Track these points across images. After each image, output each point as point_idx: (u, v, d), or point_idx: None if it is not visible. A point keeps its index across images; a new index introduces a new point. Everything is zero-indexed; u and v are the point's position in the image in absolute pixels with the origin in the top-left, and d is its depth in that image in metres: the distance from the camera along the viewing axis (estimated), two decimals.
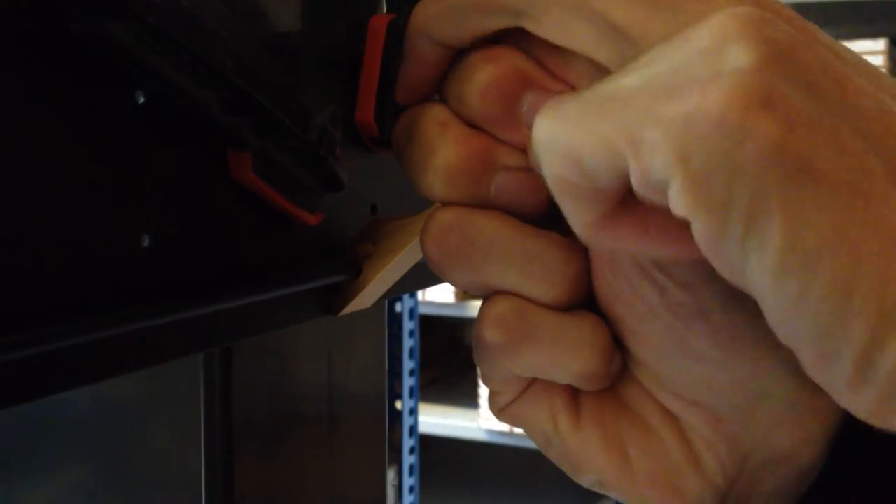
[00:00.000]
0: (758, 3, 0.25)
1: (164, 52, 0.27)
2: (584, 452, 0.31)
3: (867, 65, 0.26)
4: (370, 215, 0.41)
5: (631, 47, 0.26)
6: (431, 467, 3.20)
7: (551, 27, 0.28)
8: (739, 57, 0.23)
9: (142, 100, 0.29)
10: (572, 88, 0.29)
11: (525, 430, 0.32)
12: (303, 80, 0.36)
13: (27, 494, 0.47)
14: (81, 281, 0.28)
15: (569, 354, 0.30)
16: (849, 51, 0.26)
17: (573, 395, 0.31)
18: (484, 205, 0.30)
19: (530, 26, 0.28)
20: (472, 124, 0.30)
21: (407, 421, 2.62)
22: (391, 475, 2.59)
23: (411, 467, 2.64)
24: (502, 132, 0.30)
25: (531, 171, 0.29)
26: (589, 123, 0.24)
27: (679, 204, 0.23)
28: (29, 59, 0.26)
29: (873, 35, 2.97)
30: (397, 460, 2.61)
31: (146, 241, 0.30)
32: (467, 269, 0.30)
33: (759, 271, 0.22)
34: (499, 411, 0.32)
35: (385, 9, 0.40)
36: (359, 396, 0.50)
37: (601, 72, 0.28)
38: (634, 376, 0.31)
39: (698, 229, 0.23)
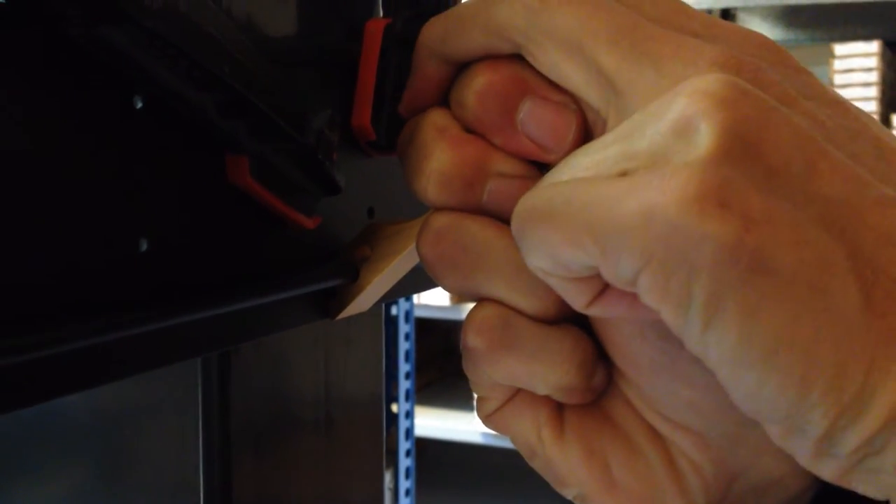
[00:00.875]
0: (739, 64, 0.25)
1: (161, 57, 0.27)
2: (566, 466, 0.31)
3: (855, 118, 0.26)
4: (367, 219, 0.41)
5: (616, 97, 0.27)
6: (427, 470, 3.19)
7: (546, 64, 0.28)
8: (701, 144, 0.23)
9: (140, 104, 0.29)
10: (572, 99, 0.29)
11: (511, 439, 0.32)
12: (300, 84, 0.36)
13: (24, 499, 0.47)
14: (79, 285, 0.28)
15: (547, 366, 0.30)
16: (837, 103, 0.26)
17: (558, 407, 0.31)
18: (477, 211, 0.30)
19: (528, 58, 0.29)
20: (470, 130, 0.30)
21: (403, 424, 2.62)
22: (387, 478, 2.58)
23: (407, 470, 2.64)
24: (498, 138, 0.30)
25: (525, 179, 0.29)
26: (557, 221, 0.25)
27: (645, 298, 0.24)
28: (28, 65, 0.26)
29: (867, 37, 2.97)
30: (393, 463, 2.60)
31: (144, 246, 0.30)
32: (458, 275, 0.30)
33: (719, 362, 0.23)
34: (485, 417, 0.32)
35: (381, 13, 0.41)
36: (355, 399, 0.50)
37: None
38: (623, 393, 0.31)
39: (665, 319, 0.24)
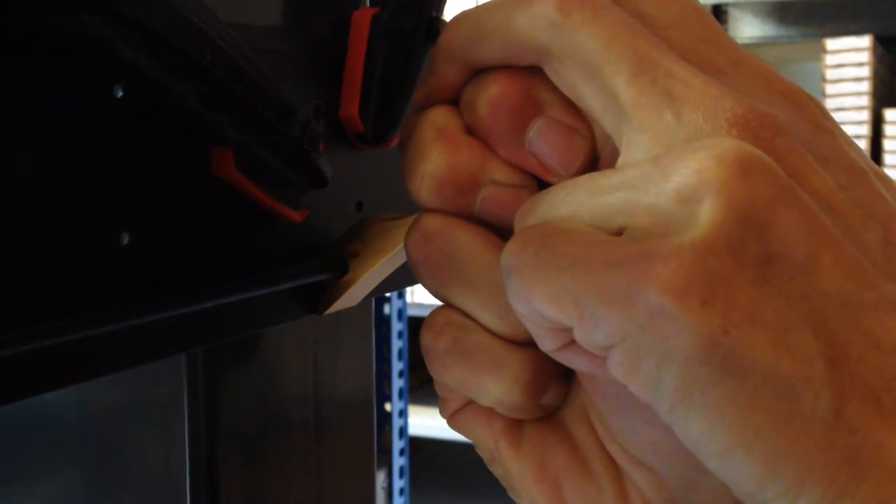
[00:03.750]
0: (760, 124, 0.25)
1: (140, 45, 0.26)
2: (519, 477, 0.31)
3: (870, 190, 0.25)
4: (356, 213, 0.41)
5: (632, 131, 0.26)
6: (422, 469, 3.19)
7: (564, 82, 0.28)
8: (701, 221, 0.23)
9: (120, 94, 0.29)
10: (586, 125, 0.28)
11: (474, 444, 0.32)
12: (285, 74, 0.35)
13: (8, 500, 0.47)
14: (59, 279, 0.27)
15: (491, 380, 0.29)
16: (856, 170, 0.26)
17: (516, 419, 0.31)
18: (469, 217, 0.29)
19: (547, 71, 0.28)
20: (476, 132, 0.30)
21: (396, 423, 2.62)
22: (381, 477, 2.58)
23: (401, 469, 2.63)
24: (502, 149, 0.29)
25: (520, 189, 0.29)
26: (543, 275, 0.25)
27: (614, 371, 0.24)
28: (3, 55, 0.25)
29: (858, 32, 2.98)
30: (387, 462, 2.60)
31: (126, 239, 0.29)
32: (437, 281, 0.30)
33: (683, 439, 0.23)
34: (448, 417, 0.32)
35: (368, 3, 0.40)
36: (346, 398, 0.49)
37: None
38: (587, 416, 0.31)
39: (632, 390, 0.24)
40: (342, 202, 0.40)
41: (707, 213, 0.23)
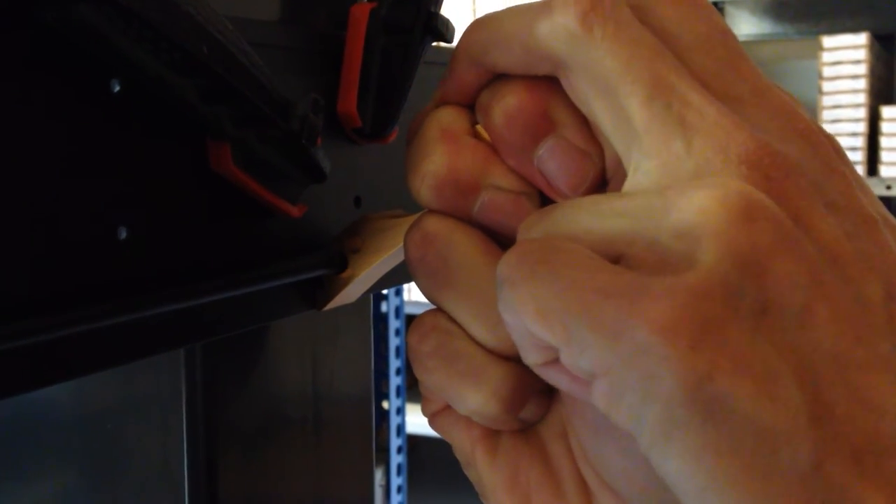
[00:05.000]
0: (771, 164, 0.24)
1: (138, 38, 0.26)
2: (491, 486, 0.31)
3: (878, 241, 0.25)
4: (354, 208, 0.41)
5: (641, 156, 0.26)
6: (419, 467, 3.19)
7: (578, 95, 0.27)
8: (697, 264, 0.22)
9: (117, 88, 0.28)
10: (597, 149, 0.28)
11: (451, 445, 0.32)
12: (283, 68, 0.35)
13: (6, 499, 0.46)
14: (56, 274, 0.27)
15: (469, 390, 0.29)
16: (865, 219, 0.25)
17: (493, 429, 0.31)
18: (467, 220, 0.29)
19: (563, 83, 0.28)
20: (487, 136, 0.29)
21: (394, 420, 2.62)
22: (379, 475, 2.58)
23: (399, 467, 2.64)
24: (511, 159, 0.29)
25: (519, 195, 0.29)
26: (537, 293, 0.24)
27: (597, 401, 0.23)
28: None
29: (855, 29, 2.98)
30: (385, 460, 2.60)
31: (123, 234, 0.29)
32: (431, 285, 0.30)
33: (658, 472, 0.23)
34: (429, 416, 0.32)
35: None
36: (345, 396, 0.49)
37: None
38: (565, 435, 0.31)
39: (612, 420, 0.23)
40: (340, 197, 0.40)
41: (705, 255, 0.22)
